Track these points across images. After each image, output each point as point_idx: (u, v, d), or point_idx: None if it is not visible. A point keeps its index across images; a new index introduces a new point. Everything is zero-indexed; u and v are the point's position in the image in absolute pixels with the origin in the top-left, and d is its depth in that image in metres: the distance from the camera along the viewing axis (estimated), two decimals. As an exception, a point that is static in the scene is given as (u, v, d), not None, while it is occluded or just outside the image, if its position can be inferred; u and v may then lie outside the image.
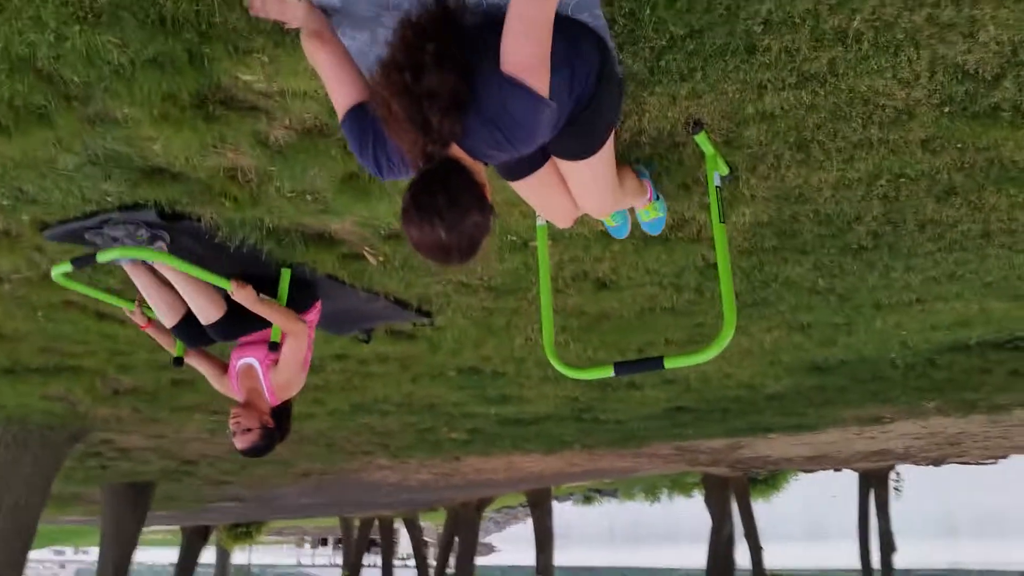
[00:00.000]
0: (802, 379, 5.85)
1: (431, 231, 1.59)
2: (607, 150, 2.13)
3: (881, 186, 2.93)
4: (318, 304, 3.58)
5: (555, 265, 3.64)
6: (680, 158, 2.73)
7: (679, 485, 24.11)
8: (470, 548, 17.61)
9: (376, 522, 21.96)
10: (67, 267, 2.98)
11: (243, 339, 3.48)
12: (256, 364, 3.41)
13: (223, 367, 3.63)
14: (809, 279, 3.88)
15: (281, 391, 3.38)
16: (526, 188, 2.24)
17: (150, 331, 3.60)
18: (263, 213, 3.06)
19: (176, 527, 22.53)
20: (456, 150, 1.68)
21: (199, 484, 11.62)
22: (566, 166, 2.15)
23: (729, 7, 1.95)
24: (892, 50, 2.09)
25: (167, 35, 2.04)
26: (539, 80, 1.62)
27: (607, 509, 35.85)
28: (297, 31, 1.99)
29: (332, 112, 2.44)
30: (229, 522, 21.91)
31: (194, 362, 3.65)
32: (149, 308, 3.52)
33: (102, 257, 2.91)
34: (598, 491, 27.91)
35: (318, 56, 1.82)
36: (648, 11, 1.94)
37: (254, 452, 3.22)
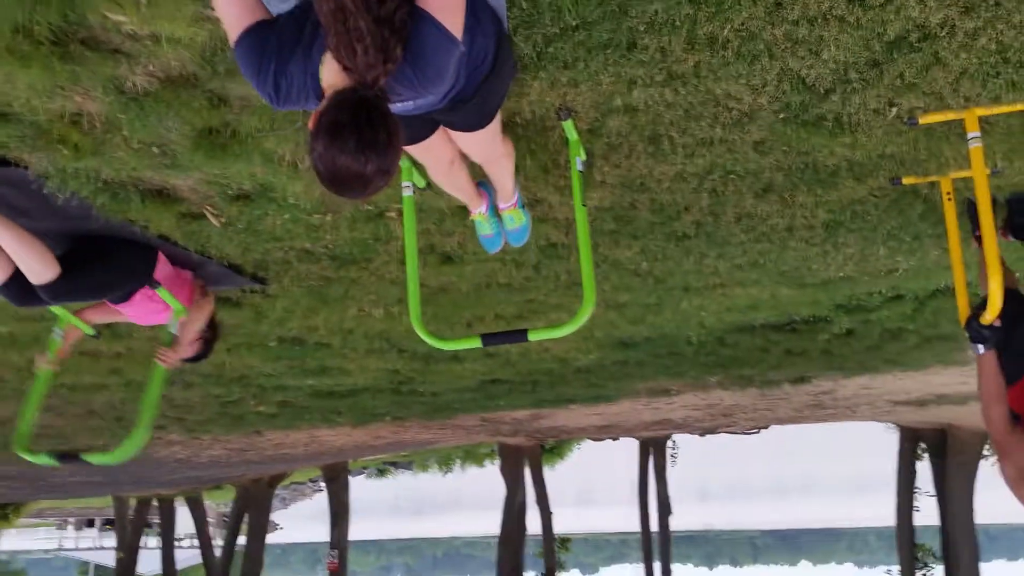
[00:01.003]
0: (609, 354, 6.29)
1: (357, 160, 1.53)
2: (496, 122, 2.22)
3: (712, 180, 3.25)
4: (160, 256, 3.43)
5: (401, 236, 3.67)
6: (545, 142, 2.86)
7: (472, 456, 24.84)
8: (261, 527, 17.10)
9: (155, 501, 20.66)
10: None
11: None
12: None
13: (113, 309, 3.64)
14: (634, 262, 4.20)
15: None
16: (418, 149, 2.29)
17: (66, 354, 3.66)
18: (101, 164, 2.83)
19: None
20: None
21: (-45, 462, 10.37)
22: (457, 135, 2.22)
23: (621, 4, 2.09)
24: (750, 59, 2.34)
25: (37, -40, 1.86)
26: (453, 19, 1.62)
27: (400, 481, 36.15)
28: None
29: (204, 62, 2.32)
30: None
31: (99, 320, 3.73)
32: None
33: None
34: (393, 464, 28.03)
35: None
36: (549, -2, 2.04)
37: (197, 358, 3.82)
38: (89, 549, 47.55)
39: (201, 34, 2.18)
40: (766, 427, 13.41)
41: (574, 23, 2.16)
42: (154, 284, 3.46)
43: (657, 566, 17.16)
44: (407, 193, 2.87)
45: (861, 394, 10.00)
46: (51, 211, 3.10)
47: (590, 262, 2.68)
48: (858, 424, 15.95)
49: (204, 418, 8.32)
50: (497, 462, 26.22)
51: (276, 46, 1.63)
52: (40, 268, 3.04)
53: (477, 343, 2.72)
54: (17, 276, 3.12)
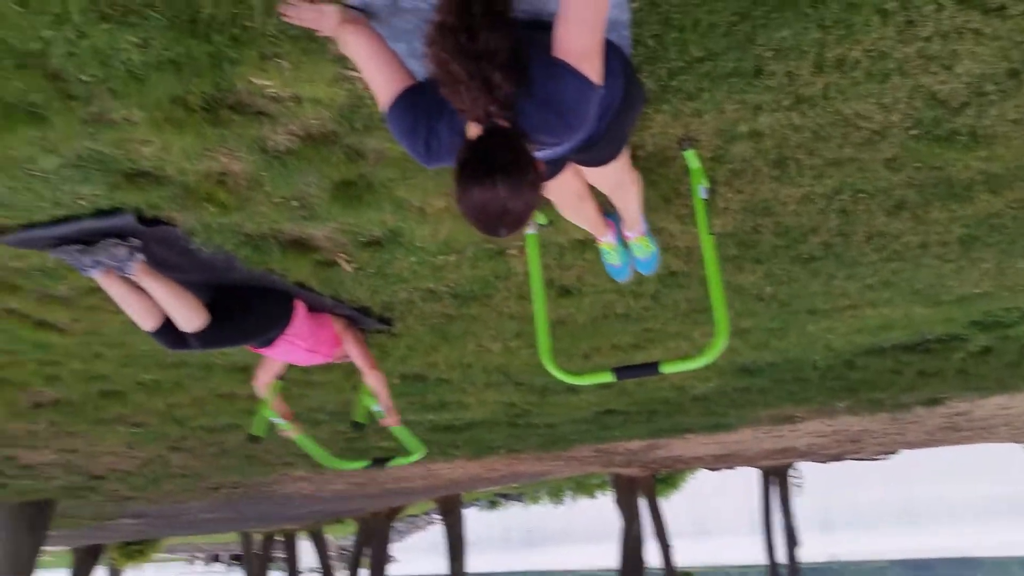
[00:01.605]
0: (729, 381, 6.14)
1: (492, 192, 1.58)
2: (625, 153, 2.25)
3: (841, 200, 3.16)
4: (298, 303, 3.62)
5: (521, 272, 3.73)
6: (666, 172, 2.86)
7: (583, 487, 24.59)
8: (381, 559, 17.40)
9: (279, 536, 21.37)
10: None
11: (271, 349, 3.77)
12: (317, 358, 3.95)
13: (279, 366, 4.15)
14: (757, 286, 4.11)
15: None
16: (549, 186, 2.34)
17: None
18: (244, 219, 3.01)
19: (63, 548, 21.25)
20: None
21: (101, 501, 11.06)
22: (587, 169, 2.26)
23: (748, 34, 2.09)
24: (881, 78, 2.29)
25: (195, 37, 2.01)
26: (592, 67, 1.67)
27: (511, 513, 36.15)
28: (326, 38, 2.00)
29: (342, 119, 2.44)
30: (123, 540, 20.85)
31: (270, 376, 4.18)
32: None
33: None
34: (504, 496, 28.07)
35: (358, 46, 1.80)
36: (675, 34, 2.05)
37: None
38: (217, 583, 49.49)
39: (340, 93, 2.29)
40: (895, 452, 12.75)
41: (699, 55, 2.16)
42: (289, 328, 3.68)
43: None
44: (530, 231, 2.92)
45: (999, 414, 9.40)
46: (198, 264, 3.31)
47: (721, 291, 2.65)
48: (995, 446, 14.97)
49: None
50: (609, 493, 25.90)
51: (425, 110, 1.72)
52: (190, 316, 3.25)
53: (609, 378, 2.72)
54: (169, 323, 3.34)
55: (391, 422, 4.23)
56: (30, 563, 9.85)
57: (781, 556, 15.94)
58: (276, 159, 2.63)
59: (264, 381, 4.24)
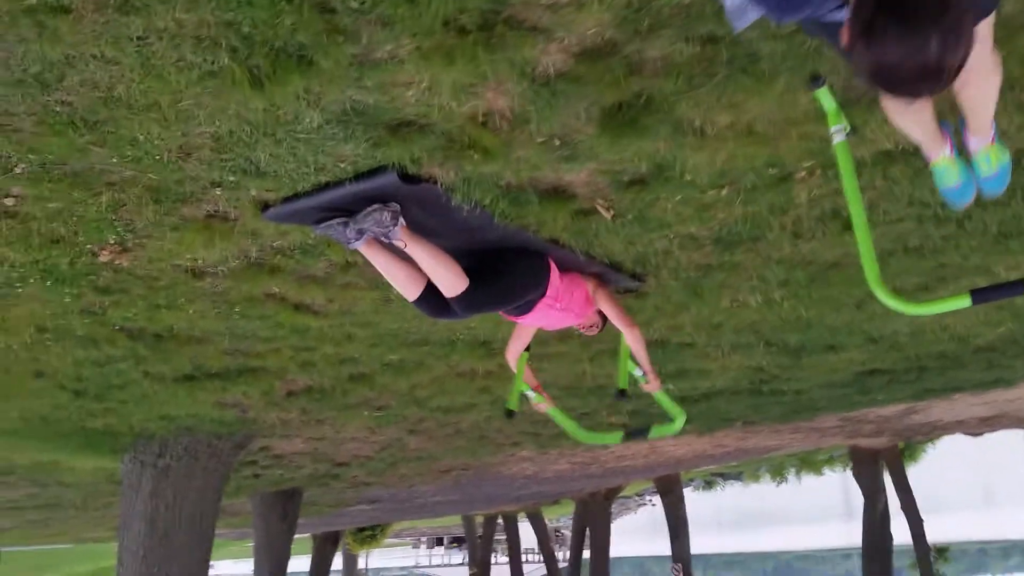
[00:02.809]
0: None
1: (920, 45, 1.27)
2: (987, 27, 1.76)
3: None
4: (551, 262, 3.37)
5: (806, 203, 3.24)
6: (1016, 44, 2.29)
7: (808, 463, 23.17)
8: (604, 540, 17.26)
9: (499, 519, 21.85)
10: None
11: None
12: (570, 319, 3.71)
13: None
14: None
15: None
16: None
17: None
18: (504, 167, 2.76)
19: (303, 535, 22.98)
20: None
21: (343, 487, 11.63)
22: None
23: None
24: None
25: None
26: None
27: (727, 493, 34.91)
28: None
29: (623, 22, 2.10)
30: (357, 525, 22.18)
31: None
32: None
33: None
34: (721, 475, 27.12)
35: None
36: None
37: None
38: (439, 566, 52.06)
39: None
40: None
41: None
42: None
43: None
44: (839, 139, 2.44)
45: None
46: (453, 225, 3.13)
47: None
48: None
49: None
50: (837, 469, 24.26)
51: None
52: (453, 280, 3.08)
53: (966, 301, 2.19)
54: (430, 291, 3.19)
55: (653, 387, 3.88)
56: (285, 550, 10.51)
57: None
58: (544, 87, 2.34)
59: (515, 351, 4.04)
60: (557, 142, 2.67)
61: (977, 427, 11.26)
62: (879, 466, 13.70)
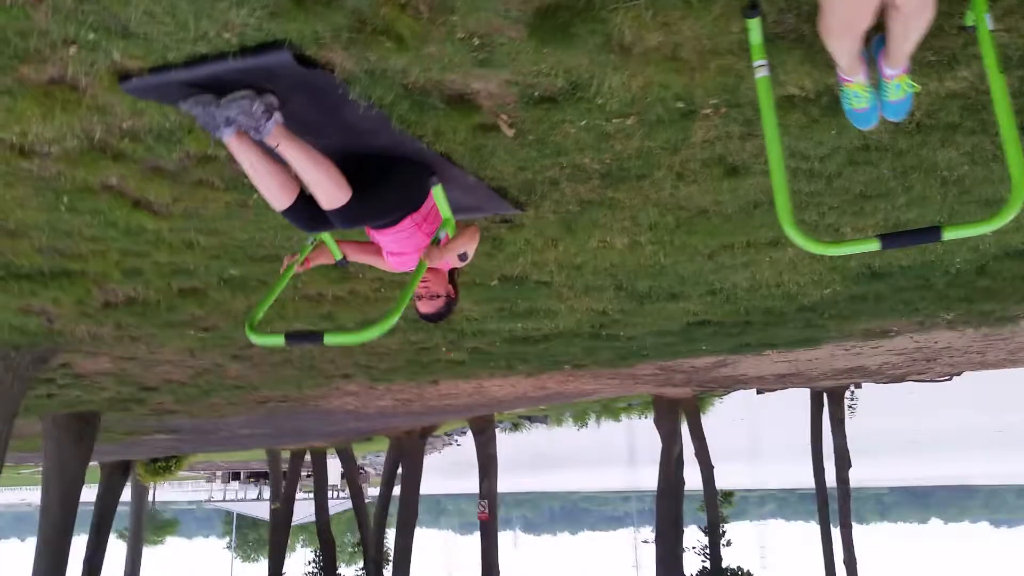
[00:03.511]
0: (850, 287, 5.72)
1: None
2: None
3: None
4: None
5: (699, 143, 3.25)
6: None
7: (608, 409, 24.54)
8: (415, 477, 17.39)
9: (307, 454, 21.43)
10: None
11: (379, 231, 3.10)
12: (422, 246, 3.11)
13: (376, 249, 3.27)
14: (952, 165, 3.60)
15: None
16: None
17: (311, 264, 3.25)
18: (412, 63, 2.52)
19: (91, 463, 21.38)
20: None
21: (144, 414, 10.85)
22: None
23: None
24: None
25: None
26: None
27: (526, 436, 36.40)
28: None
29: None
30: (152, 456, 20.93)
31: (355, 257, 3.30)
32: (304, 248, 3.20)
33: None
34: (528, 418, 28.11)
35: None
36: None
37: (436, 317, 3.12)
38: (234, 500, 50.55)
39: None
40: (959, 374, 12.44)
41: None
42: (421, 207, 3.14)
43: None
44: (762, 74, 2.43)
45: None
46: (340, 125, 2.84)
47: (1017, 142, 2.17)
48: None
49: (393, 366, 8.27)
50: (634, 417, 25.95)
51: None
52: (335, 191, 2.76)
53: (875, 245, 2.27)
54: (303, 199, 2.89)
55: (429, 256, 2.95)
56: (79, 478, 9.66)
57: (831, 480, 15.81)
58: (479, -29, 2.13)
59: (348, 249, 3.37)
60: (476, 41, 2.46)
61: (772, 383, 12.32)
62: (678, 414, 14.71)
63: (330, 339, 2.51)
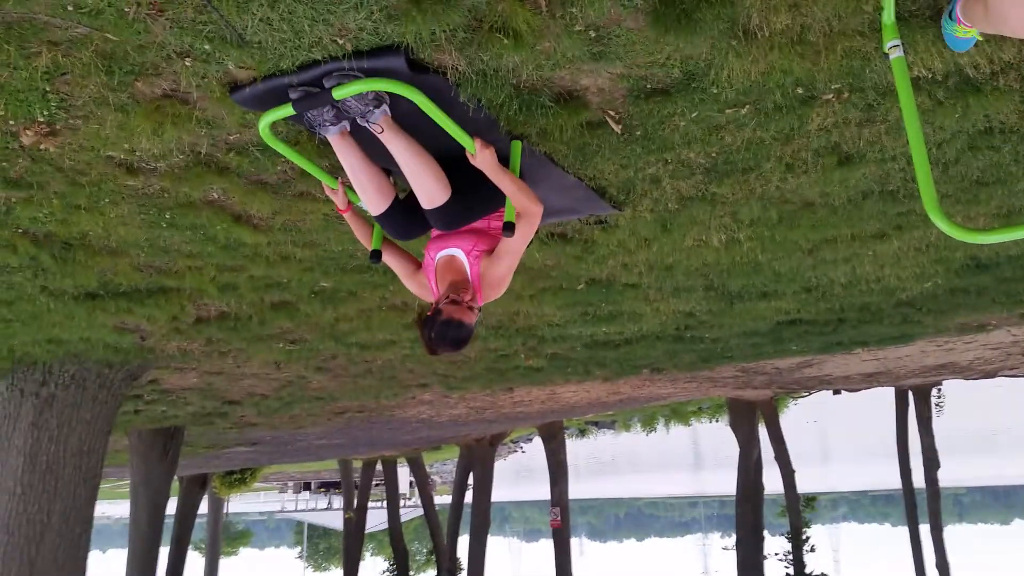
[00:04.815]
0: (952, 280, 5.45)
1: None
2: None
3: None
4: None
5: (814, 131, 3.10)
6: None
7: (678, 413, 24.15)
8: (486, 484, 17.35)
9: (379, 463, 21.60)
10: (287, 110, 2.41)
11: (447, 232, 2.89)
12: (461, 255, 2.83)
13: (416, 264, 3.06)
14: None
15: (492, 287, 2.82)
16: None
17: (347, 217, 3.02)
18: (525, 61, 2.45)
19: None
20: None
21: (226, 427, 11.03)
22: None
23: None
24: None
25: None
26: None
27: (595, 442, 36.10)
28: None
29: None
30: (229, 469, 21.35)
31: (388, 257, 3.09)
32: (352, 192, 2.94)
33: (339, 93, 2.31)
34: (595, 424, 27.87)
35: None
36: None
37: (453, 347, 2.63)
38: (305, 511, 51.35)
39: None
40: (1056, 367, 11.85)
41: None
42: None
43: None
44: (897, 54, 2.29)
45: None
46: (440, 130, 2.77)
47: None
48: None
49: (470, 375, 8.23)
50: (704, 420, 25.47)
51: None
52: (436, 188, 2.69)
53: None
54: (397, 205, 2.84)
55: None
56: (165, 491, 9.87)
57: (918, 480, 15.21)
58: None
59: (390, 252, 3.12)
60: (592, 33, 2.38)
61: (858, 383, 11.93)
62: (755, 417, 14.35)
63: (338, 92, 2.30)
